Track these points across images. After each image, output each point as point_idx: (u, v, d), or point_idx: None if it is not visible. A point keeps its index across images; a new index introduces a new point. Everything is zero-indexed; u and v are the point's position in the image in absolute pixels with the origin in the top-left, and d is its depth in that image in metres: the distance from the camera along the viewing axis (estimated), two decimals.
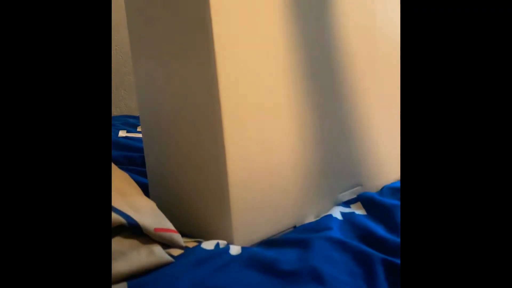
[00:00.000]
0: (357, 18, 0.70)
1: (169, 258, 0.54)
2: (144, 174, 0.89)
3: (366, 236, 0.64)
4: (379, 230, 0.65)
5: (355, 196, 0.76)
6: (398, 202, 0.74)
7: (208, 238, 0.62)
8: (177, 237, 0.60)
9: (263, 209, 0.62)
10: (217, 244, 0.57)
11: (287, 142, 0.64)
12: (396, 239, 0.62)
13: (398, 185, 0.83)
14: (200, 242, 0.59)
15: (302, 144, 0.66)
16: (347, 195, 0.76)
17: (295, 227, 0.68)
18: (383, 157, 0.83)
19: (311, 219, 0.69)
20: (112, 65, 1.66)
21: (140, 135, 1.24)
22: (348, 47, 0.69)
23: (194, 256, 0.55)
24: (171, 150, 0.65)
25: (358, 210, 0.72)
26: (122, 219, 0.56)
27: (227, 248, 0.57)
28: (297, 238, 0.61)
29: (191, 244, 0.60)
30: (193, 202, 0.63)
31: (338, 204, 0.74)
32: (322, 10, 0.65)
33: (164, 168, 0.68)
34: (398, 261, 0.55)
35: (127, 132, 1.27)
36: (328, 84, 0.68)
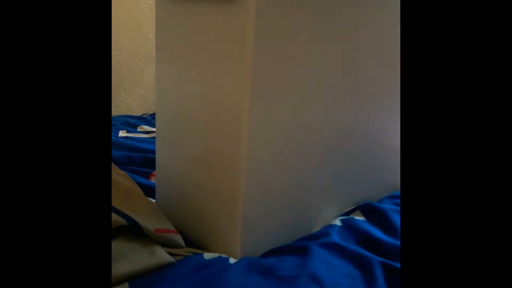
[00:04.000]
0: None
1: (170, 259, 0.55)
2: (144, 174, 0.89)
3: (365, 240, 0.64)
4: (378, 233, 0.66)
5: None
6: (395, 207, 0.75)
7: (212, 245, 0.61)
8: (178, 237, 0.60)
9: (271, 225, 0.61)
10: (219, 256, 0.57)
11: (307, 162, 0.63)
12: (395, 242, 0.62)
13: (397, 193, 0.84)
14: (202, 253, 0.59)
15: (320, 164, 0.65)
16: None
17: None
18: (389, 173, 0.83)
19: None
20: (112, 65, 1.66)
21: (140, 135, 1.24)
22: (363, 68, 0.69)
23: (195, 261, 0.55)
24: (187, 153, 0.64)
25: (357, 217, 0.72)
26: (122, 220, 0.56)
27: (227, 258, 0.57)
28: (296, 246, 0.61)
29: (194, 251, 0.60)
30: (202, 208, 0.63)
31: (338, 215, 0.74)
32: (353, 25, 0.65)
33: (176, 170, 0.67)
34: (397, 264, 0.56)
35: (127, 132, 1.27)
36: (347, 107, 0.68)
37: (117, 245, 0.53)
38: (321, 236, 0.64)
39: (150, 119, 1.45)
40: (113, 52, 1.65)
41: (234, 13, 0.52)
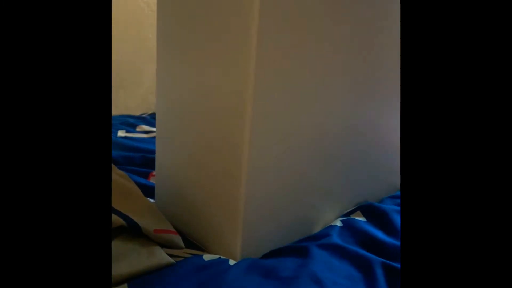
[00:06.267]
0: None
1: (170, 259, 0.54)
2: (143, 174, 0.89)
3: (366, 240, 0.64)
4: (379, 234, 0.65)
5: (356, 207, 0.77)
6: (396, 207, 0.74)
7: (212, 246, 0.61)
8: (177, 238, 0.60)
9: (272, 226, 0.61)
10: (219, 257, 0.57)
11: (308, 162, 0.63)
12: (395, 242, 0.62)
13: (398, 194, 0.84)
14: (201, 255, 0.58)
15: (321, 164, 0.65)
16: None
17: None
18: (391, 173, 0.83)
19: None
20: (112, 65, 1.66)
21: (139, 135, 1.24)
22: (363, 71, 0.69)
23: (195, 262, 0.54)
24: (186, 153, 0.64)
25: (357, 217, 0.72)
26: (121, 220, 0.56)
27: (227, 260, 0.56)
28: (296, 247, 0.61)
29: (193, 253, 0.60)
30: (202, 209, 0.62)
31: (339, 216, 0.74)
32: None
33: (176, 170, 0.67)
34: (398, 264, 0.56)
35: (126, 132, 1.26)
36: (350, 107, 0.67)
37: (116, 246, 0.53)
38: (321, 237, 0.64)
39: (149, 119, 1.45)
40: (112, 52, 1.65)
41: (237, 10, 0.51)
